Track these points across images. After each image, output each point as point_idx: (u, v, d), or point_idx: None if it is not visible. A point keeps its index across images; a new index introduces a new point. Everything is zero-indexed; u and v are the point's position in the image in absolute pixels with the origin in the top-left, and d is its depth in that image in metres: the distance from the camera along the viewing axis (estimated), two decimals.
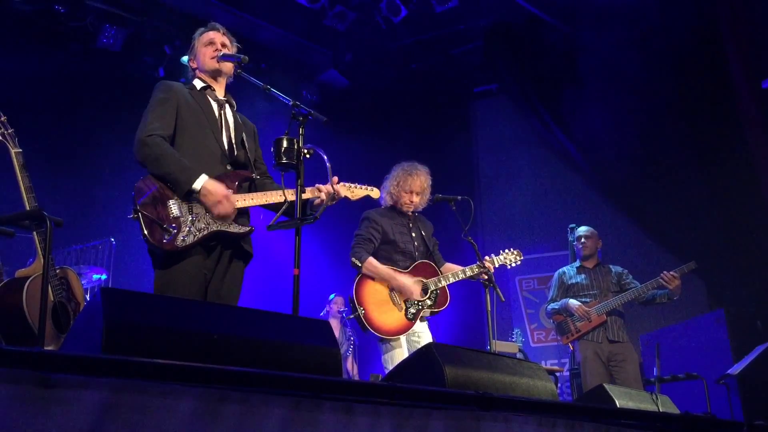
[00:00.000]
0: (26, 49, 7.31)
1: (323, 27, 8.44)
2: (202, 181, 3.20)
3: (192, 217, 3.20)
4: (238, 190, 3.37)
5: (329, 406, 1.50)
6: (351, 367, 7.85)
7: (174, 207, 3.18)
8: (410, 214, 4.86)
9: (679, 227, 7.54)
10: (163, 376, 1.29)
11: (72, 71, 7.56)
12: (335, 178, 3.50)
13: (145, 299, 1.81)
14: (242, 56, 3.43)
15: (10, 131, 3.48)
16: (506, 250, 4.94)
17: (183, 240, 3.13)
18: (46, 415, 1.10)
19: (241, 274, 3.45)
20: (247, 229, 3.36)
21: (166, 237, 3.12)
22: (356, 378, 7.77)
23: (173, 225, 3.15)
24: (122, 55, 7.90)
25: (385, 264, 4.62)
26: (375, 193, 3.86)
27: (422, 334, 4.63)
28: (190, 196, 3.22)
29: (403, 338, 4.53)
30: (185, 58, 3.73)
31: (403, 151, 9.14)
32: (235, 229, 3.30)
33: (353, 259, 4.62)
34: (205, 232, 3.20)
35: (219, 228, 3.24)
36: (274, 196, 3.42)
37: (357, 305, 4.47)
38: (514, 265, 4.95)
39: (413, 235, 4.78)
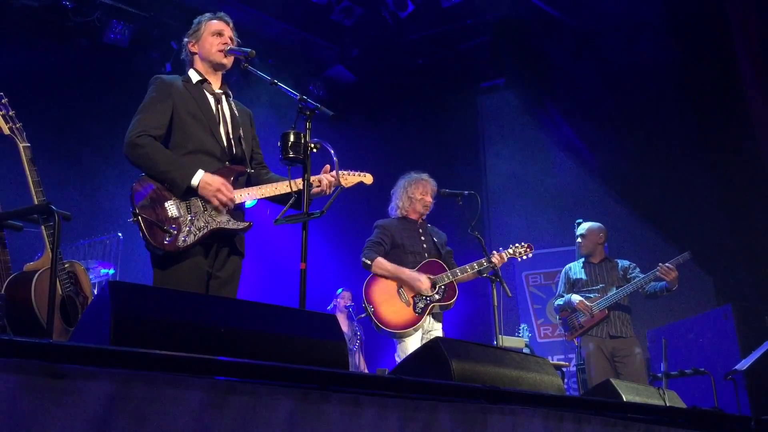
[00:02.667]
0: (33, 45, 7.33)
1: (330, 22, 8.44)
2: (199, 177, 3.21)
3: (191, 217, 3.20)
4: (234, 185, 3.36)
5: (336, 399, 1.51)
6: (359, 362, 7.86)
7: (173, 207, 3.19)
8: (420, 221, 5.01)
9: (687, 222, 7.51)
10: (171, 367, 1.29)
11: (79, 66, 7.58)
12: (327, 167, 3.50)
13: (153, 293, 1.82)
14: (249, 50, 3.41)
15: (18, 125, 3.48)
16: (516, 244, 5.00)
17: (184, 240, 3.14)
18: (55, 406, 1.11)
19: (239, 269, 3.46)
20: (246, 224, 3.36)
21: (167, 238, 3.12)
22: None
23: (173, 226, 3.15)
24: (129, 50, 7.91)
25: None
26: (368, 178, 3.84)
27: (437, 334, 4.70)
28: (188, 194, 3.22)
29: (417, 337, 4.60)
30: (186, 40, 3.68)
31: (410, 146, 9.16)
32: (233, 225, 3.31)
33: (363, 259, 4.81)
34: (205, 231, 3.21)
35: (218, 225, 3.25)
36: (270, 189, 3.44)
37: (367, 304, 4.60)
38: (524, 257, 5.01)
39: (423, 239, 4.93)
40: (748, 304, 6.43)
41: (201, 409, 1.29)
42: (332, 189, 3.49)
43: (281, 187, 3.43)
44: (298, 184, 3.29)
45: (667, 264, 5.56)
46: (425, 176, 5.07)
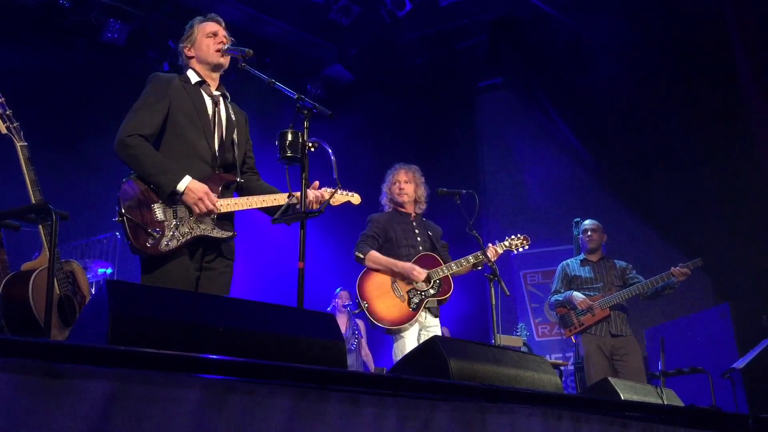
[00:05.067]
0: (31, 43, 7.32)
1: (328, 21, 8.43)
2: (186, 183, 3.18)
3: (176, 222, 3.18)
4: (223, 194, 3.35)
5: (335, 398, 1.50)
6: (366, 357, 7.89)
7: (158, 211, 3.17)
8: (413, 214, 5.00)
9: (685, 221, 7.52)
10: (169, 366, 1.29)
11: (76, 65, 7.57)
12: (316, 183, 3.52)
13: (151, 292, 1.82)
14: (247, 50, 3.40)
15: (15, 125, 3.48)
16: (512, 236, 4.99)
17: (167, 245, 3.13)
18: (52, 405, 1.11)
19: (230, 271, 3.44)
20: (230, 233, 3.34)
21: (150, 241, 3.11)
22: (372, 367, 7.83)
23: (157, 229, 3.14)
24: (127, 49, 7.91)
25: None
26: (355, 198, 3.85)
27: (434, 329, 4.69)
28: (174, 198, 3.20)
29: (414, 332, 4.58)
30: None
31: (408, 145, 9.15)
32: (217, 234, 3.29)
33: (356, 253, 4.77)
34: (188, 237, 3.19)
35: (202, 233, 3.24)
36: (257, 201, 3.42)
37: (361, 299, 4.57)
38: (521, 249, 5.00)
39: (416, 232, 4.89)
40: (746, 302, 6.45)
41: (199, 409, 1.29)
42: (319, 205, 3.47)
43: (269, 201, 3.42)
44: (285, 198, 3.31)
45: (683, 267, 5.60)
46: (397, 165, 5.09)
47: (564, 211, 8.39)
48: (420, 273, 4.60)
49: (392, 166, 5.12)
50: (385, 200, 5.07)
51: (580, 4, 8.05)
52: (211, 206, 3.21)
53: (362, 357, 7.80)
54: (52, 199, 3.39)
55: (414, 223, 4.95)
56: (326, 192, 3.58)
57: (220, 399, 1.33)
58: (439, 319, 4.83)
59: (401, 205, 4.97)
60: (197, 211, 3.20)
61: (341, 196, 3.76)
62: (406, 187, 4.95)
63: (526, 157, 9.22)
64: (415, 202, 5.00)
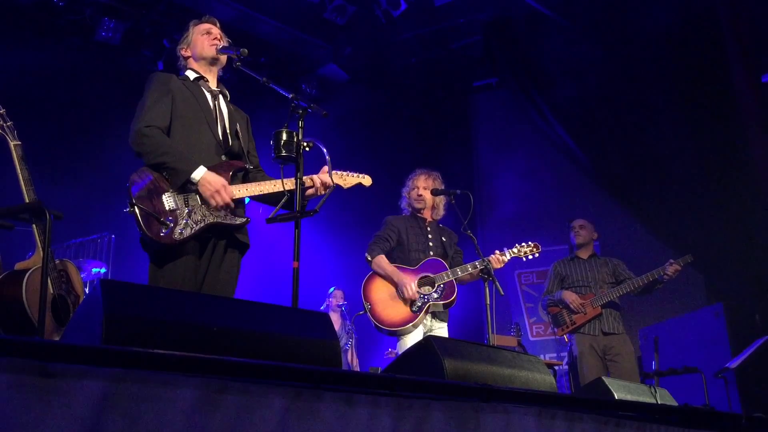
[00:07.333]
0: (25, 42, 7.29)
1: (323, 21, 8.42)
2: (201, 172, 3.20)
3: (188, 210, 3.19)
4: (232, 181, 3.37)
5: (329, 397, 1.51)
6: (351, 359, 7.86)
7: (170, 200, 3.18)
8: (429, 219, 5.03)
9: (678, 221, 7.53)
10: (163, 366, 1.29)
11: (70, 64, 7.54)
12: (325, 168, 3.48)
13: (145, 291, 1.82)
14: (242, 49, 3.41)
15: (9, 124, 3.47)
16: (521, 244, 4.96)
17: (180, 233, 3.13)
18: (45, 405, 1.11)
19: (238, 264, 3.45)
20: (243, 219, 3.36)
21: (163, 230, 3.11)
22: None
23: (170, 218, 3.14)
24: (121, 48, 7.88)
25: (400, 263, 4.79)
26: (366, 180, 3.83)
27: (440, 333, 4.70)
28: (186, 187, 3.21)
29: (417, 335, 4.60)
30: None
31: (403, 145, 9.16)
32: (230, 220, 3.30)
33: (366, 255, 4.82)
34: (202, 225, 3.20)
35: (215, 220, 3.24)
36: (269, 186, 3.42)
37: (364, 301, 4.66)
38: (530, 257, 4.97)
39: (430, 237, 4.93)
40: (739, 302, 6.46)
41: (193, 408, 1.29)
42: (326, 189, 3.49)
43: (279, 185, 3.40)
44: (293, 182, 3.29)
45: (675, 264, 5.62)
46: (419, 171, 5.09)
47: (558, 210, 8.40)
48: (410, 291, 4.60)
49: (414, 171, 5.11)
50: (405, 204, 5.09)
51: (574, 4, 8.06)
52: (227, 200, 3.24)
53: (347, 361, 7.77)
54: (45, 198, 3.39)
55: (428, 229, 4.97)
56: (336, 175, 3.59)
57: (215, 399, 1.33)
58: (447, 324, 4.82)
59: (418, 210, 5.00)
60: (213, 204, 3.21)
61: (352, 178, 3.74)
62: (425, 193, 4.97)
63: (520, 156, 9.22)
64: (432, 208, 5.02)
